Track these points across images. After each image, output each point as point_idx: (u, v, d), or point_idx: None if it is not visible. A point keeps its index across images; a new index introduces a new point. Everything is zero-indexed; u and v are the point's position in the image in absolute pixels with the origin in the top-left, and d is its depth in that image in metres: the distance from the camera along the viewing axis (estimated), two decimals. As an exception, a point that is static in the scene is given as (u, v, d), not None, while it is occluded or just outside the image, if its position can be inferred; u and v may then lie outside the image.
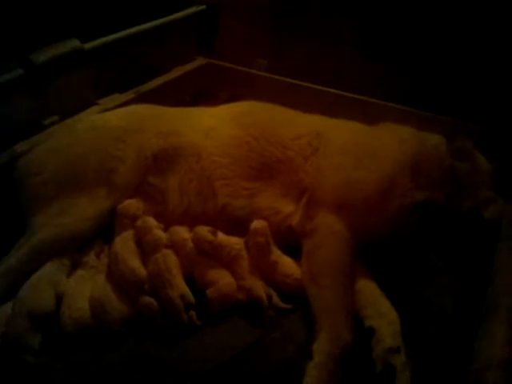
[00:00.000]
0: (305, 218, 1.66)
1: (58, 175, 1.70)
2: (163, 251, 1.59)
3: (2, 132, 1.88)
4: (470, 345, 1.30)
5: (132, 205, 1.70)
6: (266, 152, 1.77)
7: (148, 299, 1.49)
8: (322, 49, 2.63)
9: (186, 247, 1.61)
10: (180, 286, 1.50)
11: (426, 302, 1.59)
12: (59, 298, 1.51)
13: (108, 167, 1.72)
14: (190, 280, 1.57)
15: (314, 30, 2.66)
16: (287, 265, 1.62)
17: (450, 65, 2.34)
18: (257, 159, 1.77)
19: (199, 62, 2.78)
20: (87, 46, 2.14)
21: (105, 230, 1.71)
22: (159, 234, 1.63)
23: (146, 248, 1.62)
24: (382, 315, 1.47)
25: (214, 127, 1.86)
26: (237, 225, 1.70)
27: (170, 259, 1.56)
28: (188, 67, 2.71)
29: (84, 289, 1.54)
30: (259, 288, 1.54)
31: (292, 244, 1.68)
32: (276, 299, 1.55)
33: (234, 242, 1.64)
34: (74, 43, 2.08)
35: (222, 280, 1.55)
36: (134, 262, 1.57)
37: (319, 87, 2.49)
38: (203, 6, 2.77)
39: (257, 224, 1.65)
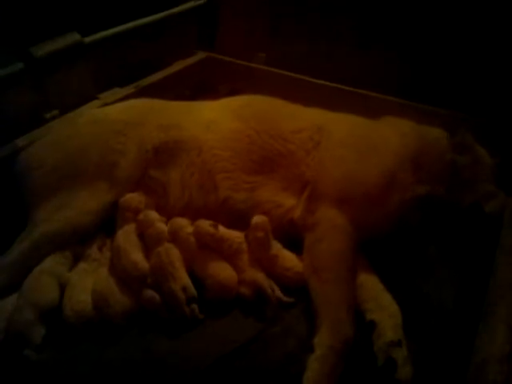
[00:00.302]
0: (306, 211, 1.66)
1: (59, 169, 1.70)
2: (165, 245, 1.59)
3: (2, 126, 1.87)
4: (470, 339, 1.30)
5: (134, 198, 1.70)
6: (267, 145, 1.77)
7: (150, 293, 1.49)
8: (321, 42, 2.62)
9: (187, 241, 1.61)
10: (182, 279, 1.51)
11: (426, 296, 1.59)
12: (62, 291, 1.51)
13: (109, 161, 1.72)
14: (191, 274, 1.57)
15: (313, 23, 2.65)
16: (288, 258, 1.63)
17: (450, 58, 2.33)
18: (258, 153, 1.77)
19: (199, 55, 2.77)
20: (87, 39, 2.13)
21: (107, 223, 1.71)
22: (162, 227, 1.64)
23: (148, 241, 1.63)
24: (384, 309, 1.47)
25: (215, 120, 1.85)
26: (238, 218, 1.71)
27: (173, 252, 1.56)
28: (188, 61, 2.71)
29: (86, 281, 1.54)
30: (262, 278, 1.55)
31: (293, 238, 1.68)
32: (278, 292, 1.55)
33: (235, 236, 1.64)
34: (74, 37, 2.08)
35: (224, 273, 1.55)
36: (137, 256, 1.57)
37: (319, 81, 2.48)
38: (203, 0, 2.76)
39: (257, 219, 1.65)
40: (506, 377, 1.15)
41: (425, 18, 2.34)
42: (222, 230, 1.64)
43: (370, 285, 1.56)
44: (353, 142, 1.76)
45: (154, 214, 1.67)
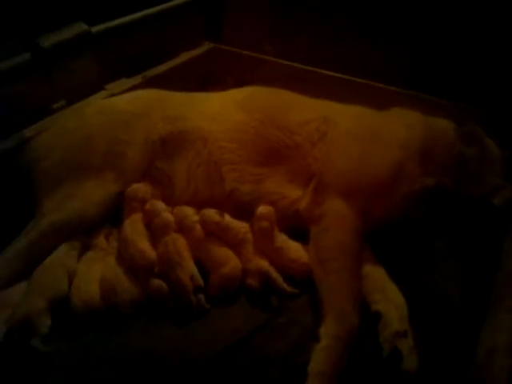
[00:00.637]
0: (312, 203, 1.65)
1: (66, 159, 1.70)
2: (172, 234, 1.60)
3: (10, 116, 1.87)
4: (476, 330, 1.30)
5: (140, 188, 1.71)
6: (273, 137, 1.76)
7: (158, 282, 1.50)
8: (328, 33, 2.59)
9: (193, 229, 1.62)
10: (190, 268, 1.52)
11: (432, 288, 1.59)
12: (70, 281, 1.52)
13: (116, 151, 1.72)
14: (197, 265, 1.57)
15: (318, 14, 2.62)
16: (293, 249, 1.62)
17: (457, 48, 2.30)
18: (264, 144, 1.76)
19: (206, 46, 2.75)
20: (94, 29, 2.12)
21: (113, 213, 1.72)
22: (168, 217, 1.64)
23: (155, 231, 1.63)
24: (389, 300, 1.47)
25: (221, 112, 1.85)
26: (244, 210, 1.71)
27: (180, 242, 1.57)
28: (195, 52, 2.69)
29: (94, 271, 1.55)
30: (267, 266, 1.55)
31: (299, 229, 1.68)
32: (282, 283, 1.55)
33: (241, 226, 1.65)
34: (81, 27, 2.07)
35: (229, 263, 1.56)
36: (144, 245, 1.58)
37: (327, 72, 2.46)
38: (210, -10, 2.75)
39: (262, 209, 1.65)
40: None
41: (430, 7, 2.31)
42: (227, 219, 1.65)
43: (376, 276, 1.56)
44: (360, 134, 1.75)
45: (160, 204, 1.68)
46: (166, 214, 1.65)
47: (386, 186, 1.64)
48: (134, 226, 1.63)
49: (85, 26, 2.08)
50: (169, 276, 1.50)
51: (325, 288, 1.47)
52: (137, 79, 2.28)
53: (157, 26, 2.45)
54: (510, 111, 2.10)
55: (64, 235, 1.60)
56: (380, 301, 1.47)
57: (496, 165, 1.77)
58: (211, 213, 1.65)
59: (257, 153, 1.76)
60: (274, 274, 1.54)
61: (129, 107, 1.85)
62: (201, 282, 1.50)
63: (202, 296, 1.49)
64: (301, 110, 1.84)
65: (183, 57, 2.61)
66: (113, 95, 2.08)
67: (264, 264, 1.56)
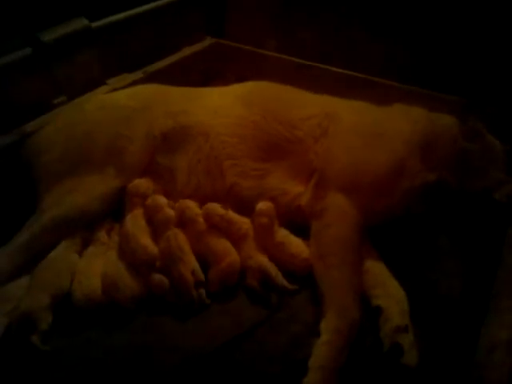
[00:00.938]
0: (314, 198, 1.65)
1: (67, 154, 1.71)
2: (174, 229, 1.60)
3: (10, 111, 1.87)
4: (477, 327, 1.30)
5: (142, 184, 1.71)
6: (275, 132, 1.76)
7: (159, 277, 1.50)
8: (331, 28, 2.58)
9: (195, 221, 1.62)
10: (191, 263, 1.52)
11: (433, 283, 1.58)
12: (72, 276, 1.52)
13: (117, 146, 1.72)
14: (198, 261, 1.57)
15: (321, 9, 2.61)
16: (295, 244, 1.62)
17: (460, 44, 2.28)
18: (265, 139, 1.76)
19: (208, 41, 2.74)
20: (95, 24, 2.12)
21: (115, 209, 1.72)
22: (170, 212, 1.64)
23: (157, 226, 1.63)
24: (390, 295, 1.47)
25: (223, 107, 1.85)
26: (245, 205, 1.70)
27: (181, 237, 1.57)
28: (196, 47, 2.68)
29: (95, 265, 1.55)
30: (268, 263, 1.55)
31: (301, 225, 1.67)
32: (282, 279, 1.55)
33: (244, 221, 1.65)
34: (82, 22, 2.06)
35: (229, 257, 1.55)
36: (146, 240, 1.58)
37: (329, 67, 2.45)
38: (211, -15, 2.74)
39: (262, 205, 1.65)
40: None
41: (432, 2, 2.29)
42: (231, 213, 1.65)
43: (377, 271, 1.56)
44: (362, 129, 1.74)
45: (162, 199, 1.68)
46: (168, 210, 1.65)
47: (388, 181, 1.64)
48: (135, 221, 1.63)
49: (86, 21, 2.07)
50: (170, 271, 1.50)
51: (325, 283, 1.47)
52: (138, 74, 2.27)
53: (158, 20, 2.44)
54: (510, 106, 2.09)
55: (65, 230, 1.60)
56: (381, 296, 1.47)
57: (498, 160, 1.76)
58: (215, 206, 1.65)
59: (258, 148, 1.75)
60: (275, 271, 1.54)
61: (130, 102, 1.84)
62: (202, 276, 1.50)
63: (203, 291, 1.49)
64: (303, 105, 1.83)
65: (185, 52, 2.60)
66: (114, 90, 2.08)
67: (264, 260, 1.56)
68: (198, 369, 1.34)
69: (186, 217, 1.64)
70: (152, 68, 2.36)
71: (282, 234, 1.64)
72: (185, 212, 1.65)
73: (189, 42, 2.67)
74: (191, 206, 1.66)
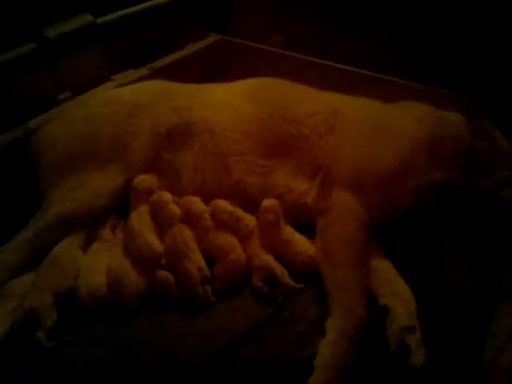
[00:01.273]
0: (320, 195, 1.63)
1: (71, 150, 1.70)
2: (179, 225, 1.59)
3: (15, 107, 1.87)
4: (484, 326, 1.28)
5: (146, 180, 1.70)
6: (280, 129, 1.74)
7: (164, 273, 1.50)
8: (336, 25, 2.56)
9: (201, 218, 1.61)
10: (197, 259, 1.51)
11: (440, 283, 1.57)
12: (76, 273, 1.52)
13: (121, 143, 1.72)
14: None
15: (325, 6, 2.59)
16: (300, 242, 1.61)
17: (467, 41, 2.26)
18: (270, 136, 1.74)
19: (213, 38, 2.73)
20: (99, 20, 2.11)
21: (119, 205, 1.72)
22: (175, 208, 1.63)
23: (161, 223, 1.63)
24: (397, 294, 1.46)
25: (228, 103, 1.83)
26: (250, 202, 1.69)
27: (187, 233, 1.57)
28: (200, 44, 2.67)
29: (100, 262, 1.55)
30: (273, 261, 1.54)
31: (306, 222, 1.66)
32: (288, 278, 1.53)
33: (250, 219, 1.64)
34: (87, 18, 2.06)
35: (234, 254, 1.54)
36: (151, 237, 1.57)
37: (333, 64, 2.43)
38: (216, -19, 2.72)
39: (267, 202, 1.64)
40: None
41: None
42: (238, 210, 1.64)
43: (384, 270, 1.54)
44: (368, 127, 1.72)
45: (167, 196, 1.67)
46: (173, 206, 1.64)
47: (394, 179, 1.62)
48: (140, 218, 1.62)
49: (90, 17, 2.06)
50: (176, 267, 1.50)
51: (332, 282, 1.45)
52: (143, 70, 2.26)
53: (163, 17, 2.43)
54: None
55: (69, 226, 1.60)
56: (387, 295, 1.46)
57: (505, 158, 1.74)
58: (224, 203, 1.64)
59: (263, 144, 1.74)
60: (280, 270, 1.53)
61: (135, 98, 1.84)
62: (208, 273, 1.50)
63: (208, 288, 1.48)
64: (308, 102, 1.81)
65: (189, 48, 2.58)
66: (119, 86, 2.07)
67: (270, 259, 1.55)
68: (201, 367, 1.34)
69: (191, 213, 1.63)
70: (157, 64, 2.35)
71: (288, 232, 1.63)
72: (190, 208, 1.64)
73: (193, 38, 2.66)
74: (196, 202, 1.66)
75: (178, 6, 2.49)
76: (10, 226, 1.60)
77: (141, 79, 2.15)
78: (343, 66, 2.42)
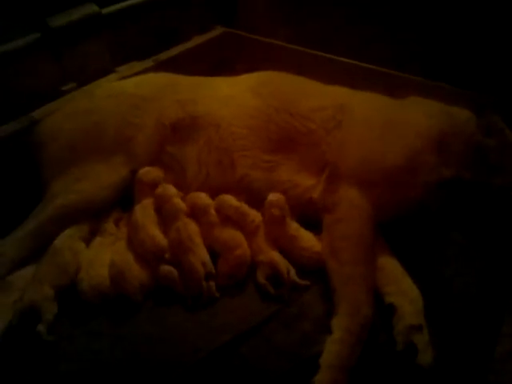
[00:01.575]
0: (326, 192, 1.61)
1: (75, 142, 1.68)
2: (184, 219, 1.57)
3: (18, 98, 1.85)
4: (494, 325, 1.26)
5: (152, 171, 1.68)
6: (286, 124, 1.72)
7: (168, 268, 1.47)
8: (343, 19, 2.53)
9: (207, 213, 1.59)
10: (202, 254, 1.49)
11: (448, 281, 1.54)
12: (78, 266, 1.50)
13: (126, 135, 1.70)
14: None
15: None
16: (306, 238, 1.58)
17: (475, 37, 2.23)
18: (277, 131, 1.72)
19: (219, 31, 2.70)
20: (105, 11, 2.09)
21: (123, 198, 1.70)
22: (179, 203, 1.61)
23: (165, 217, 1.60)
24: (404, 293, 1.43)
25: (234, 97, 1.81)
26: (256, 197, 1.67)
27: (191, 228, 1.54)
28: (205, 36, 2.64)
29: (103, 256, 1.53)
30: (279, 257, 1.52)
31: (311, 218, 1.64)
32: (294, 275, 1.51)
33: (256, 215, 1.62)
34: (92, 8, 2.04)
35: (239, 249, 1.52)
36: (155, 231, 1.55)
37: (343, 59, 2.40)
38: (222, -27, 2.69)
39: (272, 196, 1.62)
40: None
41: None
42: (244, 206, 1.62)
43: (391, 268, 1.52)
44: (376, 122, 1.70)
45: (171, 189, 1.65)
46: (178, 200, 1.61)
47: (402, 175, 1.60)
48: (144, 212, 1.60)
49: (95, 7, 2.04)
50: (180, 262, 1.48)
51: (338, 279, 1.43)
52: (148, 62, 2.24)
53: (169, 8, 2.41)
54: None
55: (72, 219, 1.58)
56: (394, 293, 1.44)
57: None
58: (230, 198, 1.62)
59: (269, 139, 1.71)
60: (286, 267, 1.51)
61: (139, 90, 1.82)
62: (212, 268, 1.48)
63: (213, 283, 1.46)
64: (315, 96, 1.79)
65: (195, 41, 2.56)
66: (123, 78, 2.05)
67: (275, 255, 1.53)
68: (204, 363, 1.32)
69: (197, 208, 1.61)
70: (161, 57, 2.33)
71: (294, 227, 1.60)
72: (196, 203, 1.62)
73: (199, 30, 2.63)
74: (202, 196, 1.64)
75: (183, -3, 2.47)
76: (12, 218, 1.58)
77: (145, 71, 2.12)
78: (350, 61, 2.39)
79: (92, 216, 1.63)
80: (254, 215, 1.61)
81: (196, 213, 1.61)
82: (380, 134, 1.66)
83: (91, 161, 1.65)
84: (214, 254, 1.55)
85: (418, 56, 2.31)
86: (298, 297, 1.48)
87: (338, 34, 2.53)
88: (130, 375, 1.31)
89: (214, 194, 1.67)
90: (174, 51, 2.41)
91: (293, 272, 1.51)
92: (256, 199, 1.66)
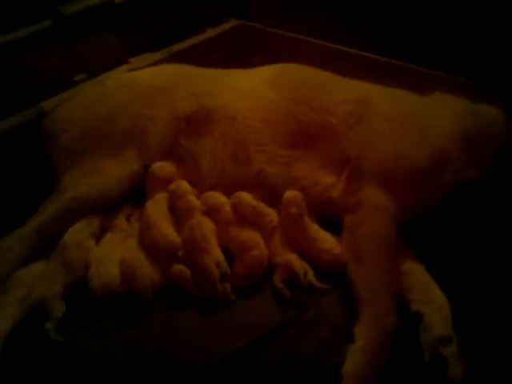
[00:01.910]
0: (347, 191, 1.54)
1: (86, 134, 1.64)
2: (198, 217, 1.51)
3: (29, 87, 1.80)
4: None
5: (165, 166, 1.63)
6: (306, 118, 1.65)
7: (180, 267, 1.42)
8: (360, 13, 2.46)
9: (222, 212, 1.53)
10: (216, 254, 1.44)
11: (477, 286, 1.46)
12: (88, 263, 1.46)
13: (138, 127, 1.65)
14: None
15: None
16: (325, 239, 1.52)
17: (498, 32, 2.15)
18: (295, 125, 1.65)
19: (233, 23, 2.64)
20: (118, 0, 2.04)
21: (135, 193, 1.65)
22: (193, 200, 1.55)
23: (178, 214, 1.55)
24: (431, 300, 1.37)
25: (251, 89, 1.74)
26: (272, 194, 1.60)
27: (206, 226, 1.49)
28: (220, 29, 2.58)
29: (114, 253, 1.48)
30: (297, 260, 1.46)
31: (331, 219, 1.57)
32: (312, 278, 1.45)
33: (274, 214, 1.56)
34: (105, -4, 1.99)
35: (256, 250, 1.46)
36: (167, 228, 1.50)
37: (361, 52, 2.33)
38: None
39: (289, 194, 1.55)
40: None
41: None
42: (262, 204, 1.56)
43: (416, 274, 1.45)
44: (400, 118, 1.62)
45: (185, 185, 1.59)
46: (191, 197, 1.56)
47: (427, 175, 1.52)
48: (157, 208, 1.55)
49: (108, -4, 1.99)
50: (194, 262, 1.42)
51: (360, 284, 1.36)
52: (161, 54, 2.19)
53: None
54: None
55: (82, 212, 1.54)
56: (421, 301, 1.37)
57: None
58: (247, 196, 1.56)
59: (287, 133, 1.65)
60: (304, 269, 1.45)
61: (153, 81, 1.77)
62: (227, 269, 1.42)
63: (228, 285, 1.40)
64: (336, 90, 1.71)
65: (209, 33, 2.51)
66: (136, 69, 1.99)
67: (293, 257, 1.47)
68: (218, 368, 1.26)
69: (211, 206, 1.55)
70: (175, 48, 2.27)
71: (313, 228, 1.53)
72: (210, 200, 1.56)
73: (213, 22, 2.57)
74: (217, 195, 1.59)
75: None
76: (23, 210, 1.55)
77: (159, 63, 2.08)
78: (367, 54, 2.31)
79: (103, 211, 1.59)
80: (272, 215, 1.55)
81: (211, 211, 1.55)
82: (405, 131, 1.59)
83: (102, 153, 1.60)
84: (229, 255, 1.49)
85: (444, 51, 2.23)
86: (317, 301, 1.41)
87: (355, 26, 2.46)
88: (138, 380, 1.26)
89: (229, 190, 1.61)
90: (188, 43, 2.36)
91: (311, 274, 1.45)
92: (273, 196, 1.60)
